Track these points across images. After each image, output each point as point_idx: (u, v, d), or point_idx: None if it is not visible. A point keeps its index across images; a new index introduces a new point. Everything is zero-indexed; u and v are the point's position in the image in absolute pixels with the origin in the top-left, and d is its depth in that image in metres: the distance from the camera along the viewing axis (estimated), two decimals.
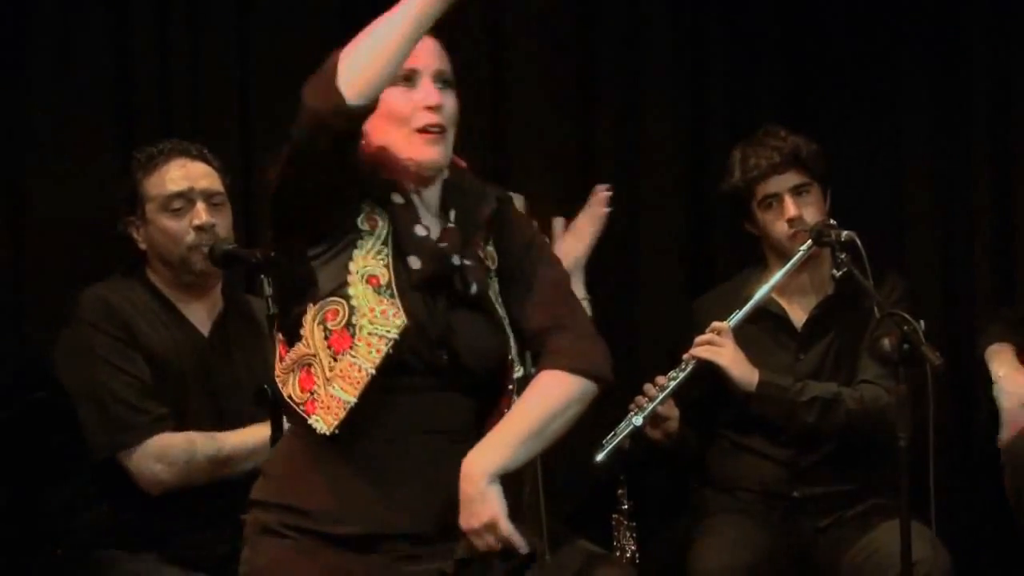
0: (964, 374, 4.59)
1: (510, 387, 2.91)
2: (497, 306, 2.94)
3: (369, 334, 2.79)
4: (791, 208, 4.13)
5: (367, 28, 2.71)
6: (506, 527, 2.76)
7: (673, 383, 4.01)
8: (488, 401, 2.92)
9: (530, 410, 2.86)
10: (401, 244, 2.86)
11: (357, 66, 2.67)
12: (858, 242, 3.90)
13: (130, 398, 3.57)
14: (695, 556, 4.01)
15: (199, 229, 3.66)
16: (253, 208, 4.38)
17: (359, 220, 2.87)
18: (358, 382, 2.78)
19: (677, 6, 4.90)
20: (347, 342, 2.79)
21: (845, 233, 3.93)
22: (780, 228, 4.15)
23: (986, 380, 4.21)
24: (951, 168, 4.90)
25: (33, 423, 3.82)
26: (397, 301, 2.81)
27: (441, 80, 2.89)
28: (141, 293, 3.71)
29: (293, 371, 2.85)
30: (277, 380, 2.90)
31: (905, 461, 3.56)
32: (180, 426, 3.62)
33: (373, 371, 2.78)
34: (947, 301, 4.84)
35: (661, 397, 4.01)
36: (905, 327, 3.57)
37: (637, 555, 4.04)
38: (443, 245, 2.89)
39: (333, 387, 2.79)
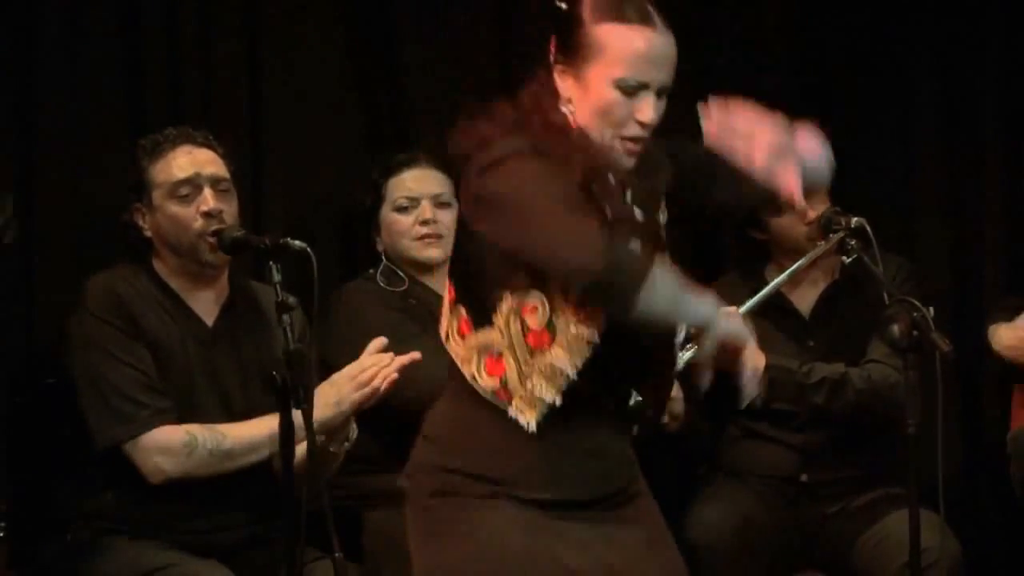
0: (973, 362, 4.59)
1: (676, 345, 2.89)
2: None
3: (571, 337, 2.75)
4: (809, 211, 4.15)
5: (669, 291, 2.68)
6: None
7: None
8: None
9: None
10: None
11: (655, 311, 2.66)
12: (868, 229, 3.90)
13: (132, 390, 3.57)
14: (694, 515, 4.03)
15: (206, 215, 3.66)
16: (263, 193, 4.39)
17: None
18: (558, 383, 2.76)
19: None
20: (546, 341, 2.76)
21: (855, 220, 3.93)
22: (799, 231, 4.16)
23: (997, 364, 4.22)
24: (961, 154, 4.90)
25: (43, 410, 3.83)
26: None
27: (663, 94, 2.81)
28: (146, 282, 3.70)
29: (479, 353, 2.80)
30: (453, 352, 2.85)
31: (914, 448, 3.56)
32: (187, 417, 3.61)
33: (574, 376, 2.76)
34: (957, 289, 4.84)
35: None
36: (914, 314, 3.58)
37: None
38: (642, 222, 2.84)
39: (531, 382, 2.76)
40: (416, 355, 3.68)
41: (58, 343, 3.72)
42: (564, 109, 2.80)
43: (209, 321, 3.74)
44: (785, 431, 4.17)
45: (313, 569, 3.54)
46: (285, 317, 3.38)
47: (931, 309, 3.59)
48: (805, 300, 4.27)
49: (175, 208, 3.68)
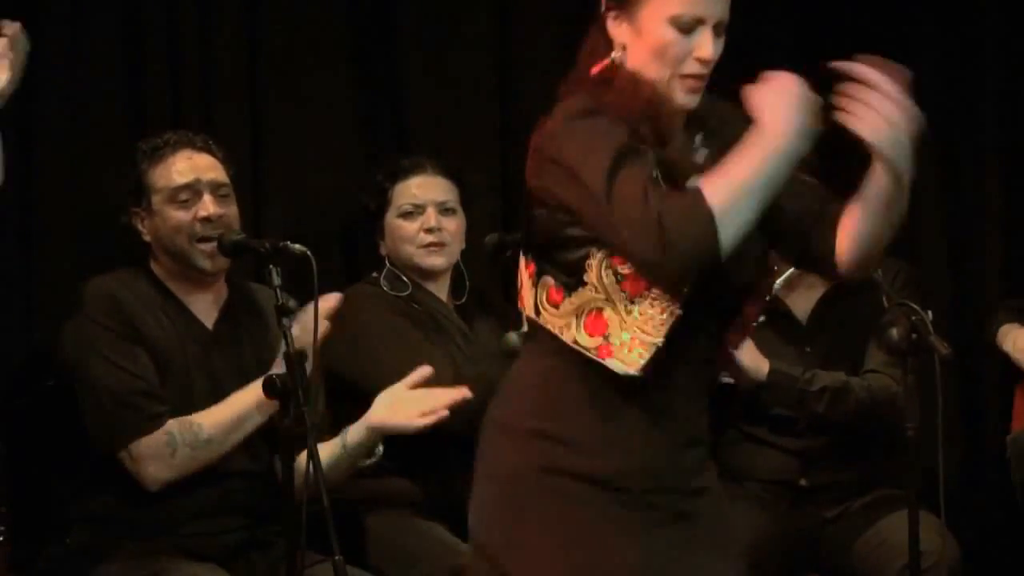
0: (973, 364, 4.59)
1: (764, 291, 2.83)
2: None
3: None
4: None
5: (740, 179, 2.60)
6: None
7: None
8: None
9: None
10: (677, 176, 2.70)
11: (741, 223, 2.60)
12: None
13: (127, 396, 3.57)
14: None
15: (206, 220, 3.67)
16: (263, 196, 4.39)
17: None
18: (662, 324, 2.68)
19: None
20: (642, 285, 2.69)
21: None
22: None
23: (997, 366, 4.22)
24: (961, 154, 4.89)
25: (43, 412, 3.84)
26: None
27: (720, 30, 2.75)
28: (145, 286, 3.71)
29: (576, 316, 2.73)
30: (548, 323, 2.76)
31: (913, 451, 3.56)
32: None
33: (680, 311, 2.68)
34: (956, 291, 4.84)
35: None
36: (913, 317, 3.58)
37: None
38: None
39: (635, 331, 2.69)
40: (466, 392, 3.65)
41: (57, 346, 3.72)
42: (615, 55, 2.74)
43: (209, 323, 3.75)
44: (785, 436, 4.16)
45: (314, 573, 3.53)
46: (285, 320, 3.38)
47: (929, 312, 3.59)
48: (803, 305, 4.26)
49: (174, 213, 3.68)
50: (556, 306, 2.77)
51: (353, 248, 4.47)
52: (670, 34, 2.71)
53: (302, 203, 4.47)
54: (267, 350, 3.70)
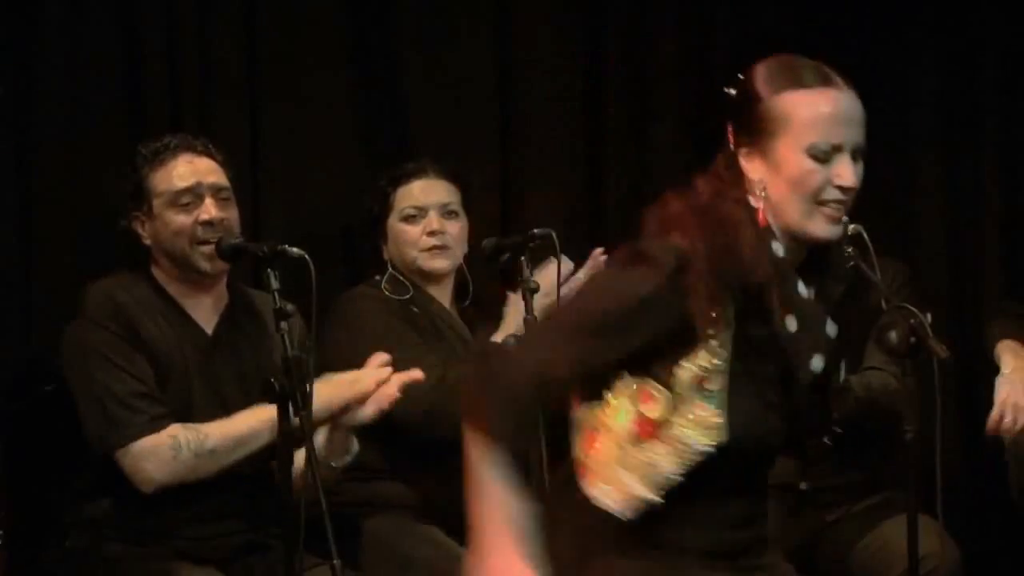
0: (972, 367, 4.58)
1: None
2: None
3: (679, 439, 2.64)
4: None
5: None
6: None
7: None
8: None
9: None
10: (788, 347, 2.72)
11: None
12: (865, 236, 3.89)
13: (128, 398, 3.57)
14: None
15: (207, 224, 3.66)
16: (262, 200, 4.39)
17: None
18: (656, 482, 2.65)
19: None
20: (654, 433, 2.65)
21: (852, 226, 3.90)
22: None
23: (994, 373, 4.21)
24: (961, 155, 4.89)
25: (42, 416, 3.84)
26: (724, 412, 2.64)
27: (858, 155, 2.71)
28: (146, 290, 3.71)
29: (581, 426, 2.72)
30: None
31: (913, 454, 3.56)
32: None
33: (680, 477, 2.65)
34: (956, 291, 4.84)
35: None
36: (912, 320, 3.57)
37: None
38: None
39: (628, 474, 2.66)
40: (417, 374, 3.66)
41: (56, 350, 3.72)
42: (755, 197, 2.70)
43: (208, 328, 3.74)
44: None
45: None
46: (283, 324, 3.39)
47: (928, 315, 3.58)
48: None
49: (175, 217, 3.68)
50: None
51: (353, 250, 4.47)
52: (808, 164, 2.67)
53: (302, 204, 4.48)
54: (266, 356, 3.70)
